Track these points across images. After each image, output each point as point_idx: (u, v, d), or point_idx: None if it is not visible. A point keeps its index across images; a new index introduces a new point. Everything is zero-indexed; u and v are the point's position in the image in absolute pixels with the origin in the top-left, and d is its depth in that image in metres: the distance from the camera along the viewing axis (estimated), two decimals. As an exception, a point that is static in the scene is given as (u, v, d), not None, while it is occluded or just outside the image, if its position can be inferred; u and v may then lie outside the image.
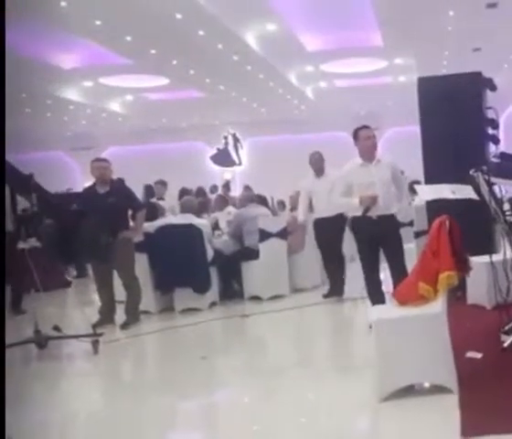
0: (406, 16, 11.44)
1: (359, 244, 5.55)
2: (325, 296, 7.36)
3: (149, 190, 10.08)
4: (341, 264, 7.52)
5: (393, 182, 5.54)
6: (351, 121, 15.37)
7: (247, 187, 12.36)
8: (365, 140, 5.49)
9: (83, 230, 6.19)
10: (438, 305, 3.85)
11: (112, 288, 6.72)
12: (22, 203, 6.84)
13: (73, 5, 9.58)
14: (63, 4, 9.38)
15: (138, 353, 6.05)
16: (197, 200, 8.53)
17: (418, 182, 8.53)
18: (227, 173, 21.24)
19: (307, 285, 7.93)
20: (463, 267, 4.08)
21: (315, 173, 7.41)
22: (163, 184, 9.98)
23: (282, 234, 7.84)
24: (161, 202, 9.13)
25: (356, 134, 5.56)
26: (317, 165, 7.40)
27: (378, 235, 5.36)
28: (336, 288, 7.39)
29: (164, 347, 6.14)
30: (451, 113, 6.54)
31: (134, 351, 6.05)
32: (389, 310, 4.17)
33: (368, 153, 5.49)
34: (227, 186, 14.94)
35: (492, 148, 6.65)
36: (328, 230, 7.28)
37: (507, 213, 4.89)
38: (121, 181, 8.16)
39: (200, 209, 8.33)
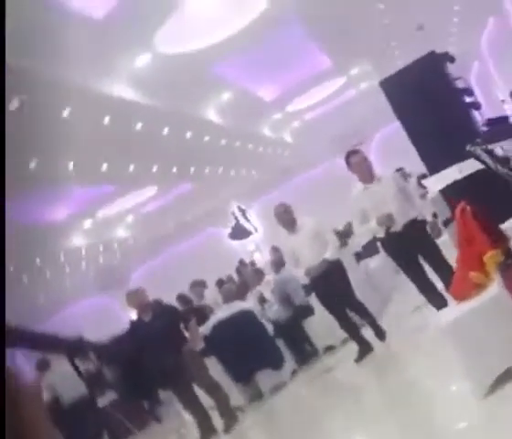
0: (341, 27, 11.53)
1: (396, 261, 5.36)
2: (357, 360, 5.99)
3: (183, 299, 9.84)
4: (362, 312, 6.22)
5: (401, 194, 5.27)
6: (335, 146, 15.39)
7: (274, 249, 11.66)
8: (358, 166, 5.29)
9: (147, 362, 6.18)
10: (494, 286, 3.66)
11: (199, 400, 6.42)
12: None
13: (42, 161, 9.78)
14: (32, 165, 9.57)
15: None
16: (235, 286, 8.38)
17: (425, 175, 8.18)
18: (249, 244, 21.26)
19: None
20: (501, 240, 3.85)
21: (286, 229, 6.17)
22: (200, 284, 9.73)
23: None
24: (203, 301, 8.93)
25: (348, 162, 5.35)
26: (283, 218, 6.17)
27: (410, 244, 5.11)
28: (363, 346, 6.06)
29: (275, 434, 5.87)
30: (424, 100, 6.27)
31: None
32: (455, 309, 3.93)
33: (366, 176, 5.28)
34: (242, 263, 13.46)
35: (477, 115, 6.48)
36: (330, 285, 6.00)
37: None
38: (158, 302, 8.06)
39: (241, 292, 8.16)
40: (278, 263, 7.94)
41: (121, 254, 20.12)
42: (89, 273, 20.26)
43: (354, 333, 6.18)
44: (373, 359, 6.03)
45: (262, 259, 16.97)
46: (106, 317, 19.77)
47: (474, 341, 3.63)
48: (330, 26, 11.25)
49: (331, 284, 5.97)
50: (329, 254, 6.01)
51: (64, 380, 7.38)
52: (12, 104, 8.23)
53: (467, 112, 6.37)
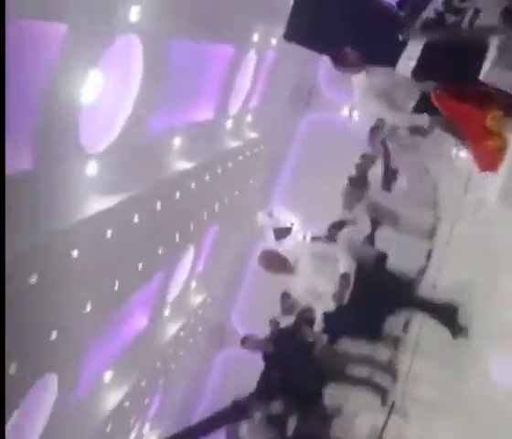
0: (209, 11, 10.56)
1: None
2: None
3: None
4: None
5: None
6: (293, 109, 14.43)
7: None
8: (350, 58, 4.83)
9: (298, 382, 6.25)
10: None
11: (359, 375, 6.48)
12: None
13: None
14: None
15: None
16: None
17: None
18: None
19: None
20: (489, 97, 3.47)
21: (286, 274, 5.71)
22: (285, 296, 8.05)
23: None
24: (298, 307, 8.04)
25: (339, 62, 4.89)
26: (276, 269, 5.59)
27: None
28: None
29: (435, 351, 5.71)
30: (335, 22, 5.80)
31: None
32: (497, 178, 3.54)
33: (361, 63, 4.78)
34: None
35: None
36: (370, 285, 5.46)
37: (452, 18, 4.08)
38: (275, 325, 7.40)
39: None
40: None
41: (210, 312, 20.54)
42: (198, 346, 20.67)
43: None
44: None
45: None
46: (238, 368, 20.24)
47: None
48: (202, 17, 10.45)
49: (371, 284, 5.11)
50: (342, 267, 5.09)
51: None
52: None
53: (380, 6, 5.80)
